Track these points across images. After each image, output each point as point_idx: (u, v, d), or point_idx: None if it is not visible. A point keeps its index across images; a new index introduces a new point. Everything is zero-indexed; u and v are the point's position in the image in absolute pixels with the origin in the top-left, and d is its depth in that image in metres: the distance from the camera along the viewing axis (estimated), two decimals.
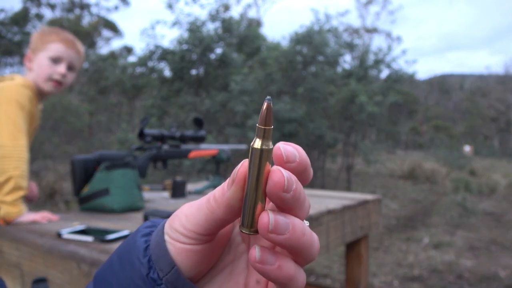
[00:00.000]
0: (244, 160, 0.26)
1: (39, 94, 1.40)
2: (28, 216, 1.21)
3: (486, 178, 9.98)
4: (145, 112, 9.37)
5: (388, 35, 18.72)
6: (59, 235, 1.01)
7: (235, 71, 8.59)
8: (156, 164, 1.63)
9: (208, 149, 1.75)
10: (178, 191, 1.66)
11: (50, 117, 8.87)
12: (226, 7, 9.83)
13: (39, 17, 12.44)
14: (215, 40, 9.09)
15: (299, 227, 0.25)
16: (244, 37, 9.74)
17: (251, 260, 0.25)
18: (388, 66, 9.68)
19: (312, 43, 8.24)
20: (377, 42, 23.88)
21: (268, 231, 0.24)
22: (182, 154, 1.67)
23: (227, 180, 0.26)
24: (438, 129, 25.45)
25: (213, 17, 9.18)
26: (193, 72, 9.57)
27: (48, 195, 6.13)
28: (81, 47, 1.47)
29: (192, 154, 1.69)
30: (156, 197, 1.68)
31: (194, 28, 8.78)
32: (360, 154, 9.57)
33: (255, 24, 13.15)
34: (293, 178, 0.25)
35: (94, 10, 14.90)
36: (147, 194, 1.71)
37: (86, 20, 14.75)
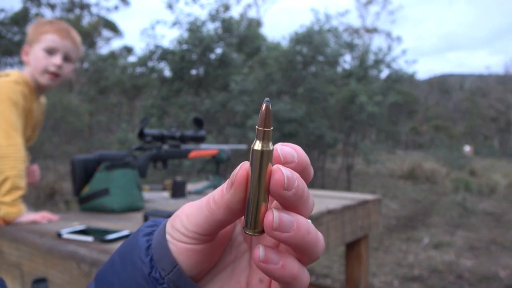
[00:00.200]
0: (242, 163, 0.26)
1: (38, 88, 1.37)
2: (28, 216, 1.21)
3: (486, 178, 9.98)
4: (145, 112, 9.37)
5: (388, 35, 18.73)
6: (59, 235, 1.01)
7: (235, 71, 8.59)
8: (156, 164, 1.63)
9: (208, 149, 1.75)
10: (178, 191, 1.66)
11: (50, 117, 8.87)
12: (226, 7, 9.83)
13: (39, 17, 12.44)
14: (215, 40, 9.09)
15: (304, 225, 0.25)
16: (244, 37, 9.74)
17: (255, 260, 0.25)
18: (388, 66, 9.68)
19: (312, 43, 8.25)
20: (377, 42, 23.89)
21: (273, 228, 0.25)
22: (182, 154, 1.67)
23: (226, 182, 0.26)
24: (438, 129, 25.45)
25: (213, 17, 9.19)
26: (193, 72, 9.58)
27: (48, 195, 6.13)
28: (76, 36, 1.41)
29: (192, 154, 1.68)
30: (156, 197, 1.68)
31: (194, 28, 8.78)
32: (360, 154, 9.57)
33: (255, 24, 13.16)
34: (295, 176, 0.25)
35: (94, 10, 14.92)
36: (147, 194, 1.71)
37: (86, 20, 14.76)
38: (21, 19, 11.19)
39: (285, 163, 0.26)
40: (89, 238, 0.98)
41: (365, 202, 1.69)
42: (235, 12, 19.56)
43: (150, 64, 9.79)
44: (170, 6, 9.20)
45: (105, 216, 1.29)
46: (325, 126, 8.19)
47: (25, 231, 1.09)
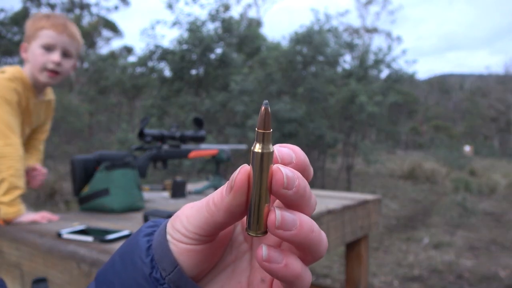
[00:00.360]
0: (241, 166, 0.26)
1: (37, 85, 1.34)
2: (28, 216, 1.21)
3: (486, 178, 9.98)
4: (145, 112, 9.37)
5: (388, 35, 18.73)
6: (59, 235, 1.01)
7: (235, 71, 8.59)
8: (156, 164, 1.63)
9: (208, 149, 1.75)
10: (178, 191, 1.66)
11: None
12: (226, 7, 9.83)
13: None
14: (215, 40, 9.09)
15: (307, 223, 0.25)
16: (244, 37, 9.74)
17: (258, 259, 0.25)
18: (388, 66, 9.68)
19: (312, 43, 8.25)
20: (377, 42, 23.89)
21: (275, 227, 0.25)
22: (182, 154, 1.67)
23: (226, 185, 0.26)
24: (438, 129, 25.45)
25: (213, 17, 9.19)
26: (193, 72, 9.58)
27: (48, 195, 6.13)
28: (74, 29, 1.36)
29: (192, 154, 1.68)
30: (156, 197, 1.68)
31: (194, 28, 8.78)
32: (360, 154, 9.57)
33: (255, 24, 13.15)
34: (296, 175, 0.25)
35: (94, 10, 14.92)
36: (147, 194, 1.71)
37: (86, 20, 14.76)
38: (21, 19, 11.18)
39: (283, 164, 0.26)
40: (89, 238, 0.98)
41: (365, 202, 1.69)
42: (235, 12, 19.58)
43: (150, 64, 9.79)
44: (170, 6, 9.20)
45: (105, 216, 1.29)
46: (325, 126, 8.19)
47: (25, 231, 1.09)
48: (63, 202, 5.91)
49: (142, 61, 9.92)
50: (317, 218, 1.35)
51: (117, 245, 0.94)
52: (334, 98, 8.82)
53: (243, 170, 0.25)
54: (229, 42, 9.43)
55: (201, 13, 21.11)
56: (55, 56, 1.30)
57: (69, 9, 14.11)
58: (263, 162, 0.25)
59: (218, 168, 1.82)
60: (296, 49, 8.49)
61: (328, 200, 1.64)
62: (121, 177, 1.36)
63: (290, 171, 0.25)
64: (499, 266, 3.43)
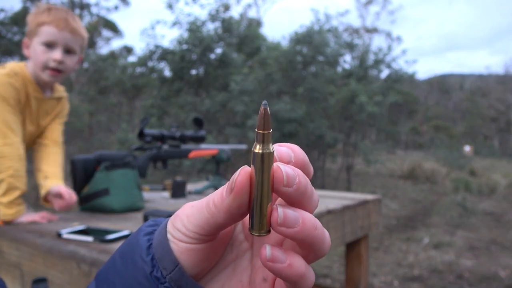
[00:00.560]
0: (242, 168, 0.26)
1: (40, 83, 1.30)
2: (28, 216, 1.21)
3: (486, 178, 9.98)
4: (145, 112, 9.37)
5: (388, 35, 18.73)
6: (59, 235, 1.01)
7: (235, 71, 8.59)
8: (156, 164, 1.63)
9: (208, 149, 1.75)
10: (178, 191, 1.66)
11: None
12: (226, 7, 9.83)
13: None
14: (215, 40, 9.09)
15: (309, 221, 0.25)
16: (244, 37, 9.74)
17: (262, 259, 0.26)
18: (388, 66, 9.68)
19: (312, 43, 8.25)
20: (377, 42, 23.88)
21: (278, 224, 0.25)
22: (182, 154, 1.67)
23: (226, 186, 0.26)
24: (438, 129, 25.45)
25: (213, 17, 9.19)
26: (193, 72, 9.58)
27: None
28: (76, 24, 1.29)
29: (192, 154, 1.69)
30: (156, 197, 1.68)
31: (194, 28, 8.79)
32: (360, 154, 9.58)
33: (255, 24, 13.15)
34: (296, 172, 0.25)
35: (94, 10, 14.90)
36: (147, 194, 1.71)
37: (86, 20, 14.75)
38: (21, 19, 11.17)
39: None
40: (89, 238, 0.98)
41: (365, 202, 1.69)
42: (235, 12, 19.58)
43: (150, 64, 9.80)
44: (170, 6, 9.21)
45: (105, 216, 1.29)
46: (325, 126, 8.19)
47: (25, 231, 1.09)
48: None
49: (142, 61, 9.93)
50: (317, 218, 1.34)
51: (117, 245, 0.94)
52: (334, 98, 8.83)
53: (243, 172, 0.25)
54: (229, 42, 9.44)
55: (201, 13, 21.11)
56: (57, 54, 1.25)
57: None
58: (264, 162, 0.25)
59: (218, 168, 1.82)
60: (296, 49, 8.49)
61: (328, 200, 1.64)
62: (121, 177, 1.36)
63: (290, 169, 0.25)
64: (499, 266, 3.43)
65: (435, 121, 27.14)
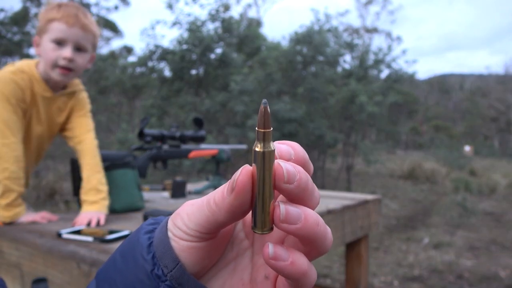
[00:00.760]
0: (243, 167, 0.26)
1: (50, 82, 1.26)
2: (28, 217, 1.20)
3: (486, 178, 9.98)
4: (145, 112, 9.37)
5: (388, 35, 18.72)
6: (59, 235, 1.01)
7: (235, 71, 8.60)
8: (156, 164, 1.63)
9: (208, 149, 1.75)
10: (178, 191, 1.66)
11: None
12: (226, 7, 9.82)
13: None
14: (215, 40, 9.09)
15: (312, 217, 0.25)
16: (244, 37, 9.74)
17: (265, 257, 0.26)
18: (388, 66, 9.68)
19: (312, 43, 8.25)
20: (377, 42, 23.87)
21: (280, 221, 0.25)
22: (182, 154, 1.67)
23: (227, 185, 0.26)
24: (438, 129, 25.45)
25: (213, 17, 9.19)
26: (193, 72, 9.58)
27: (48, 195, 6.13)
28: (87, 20, 1.24)
29: (192, 154, 1.69)
30: (156, 197, 1.68)
31: (194, 28, 8.79)
32: (360, 154, 9.58)
33: (255, 24, 13.15)
34: (297, 169, 0.25)
35: (94, 10, 14.89)
36: (147, 194, 1.71)
37: None
38: (21, 19, 11.18)
39: None
40: (89, 238, 0.97)
41: (365, 202, 1.69)
42: (235, 12, 19.57)
43: (150, 64, 9.80)
44: (170, 6, 9.20)
45: None
46: (325, 126, 8.20)
47: (25, 231, 1.09)
48: (63, 202, 5.91)
49: (142, 61, 9.92)
50: None
51: (117, 245, 0.94)
52: (334, 98, 8.83)
53: (245, 172, 0.25)
54: (229, 42, 9.44)
55: (201, 13, 21.10)
56: (67, 52, 1.20)
57: None
58: (265, 160, 0.25)
59: (218, 168, 1.82)
60: (296, 49, 8.49)
61: (328, 200, 1.64)
62: (121, 177, 1.36)
63: (291, 166, 0.25)
64: (499, 266, 3.43)
65: (435, 121, 27.14)
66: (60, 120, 1.36)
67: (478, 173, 11.00)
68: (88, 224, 1.14)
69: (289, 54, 8.41)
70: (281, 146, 0.27)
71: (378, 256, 3.69)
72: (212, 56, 9.23)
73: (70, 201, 5.85)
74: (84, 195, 1.25)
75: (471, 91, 33.20)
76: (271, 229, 0.27)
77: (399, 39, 18.50)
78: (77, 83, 1.39)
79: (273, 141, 0.26)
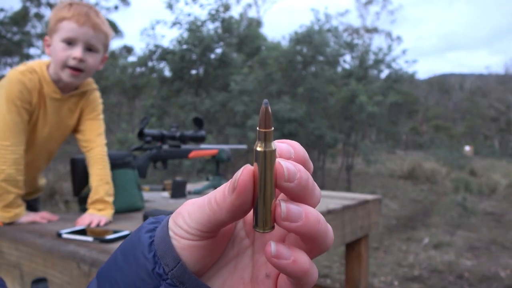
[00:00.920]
0: (244, 167, 0.26)
1: (59, 84, 1.23)
2: (28, 217, 1.20)
3: (486, 178, 9.98)
4: (145, 112, 9.37)
5: (388, 35, 18.71)
6: (59, 235, 1.01)
7: (235, 71, 8.60)
8: (156, 164, 1.63)
9: (208, 149, 1.75)
10: (178, 191, 1.66)
11: None
12: (226, 7, 9.82)
13: (39, 16, 12.44)
14: (215, 40, 9.09)
15: (313, 215, 0.26)
16: (244, 37, 9.74)
17: (267, 255, 0.26)
18: (388, 66, 9.69)
19: (312, 43, 8.25)
20: (377, 42, 23.85)
21: (281, 219, 0.25)
22: (182, 154, 1.67)
23: (228, 184, 0.26)
24: (438, 129, 25.46)
25: (213, 17, 9.19)
26: (193, 72, 9.58)
27: (48, 195, 6.13)
28: (99, 20, 1.20)
29: (192, 154, 1.68)
30: (156, 197, 1.68)
31: (194, 28, 8.79)
32: (360, 154, 9.58)
33: (255, 24, 13.15)
34: (297, 167, 0.25)
35: None
36: (147, 194, 1.71)
37: None
38: (20, 18, 11.18)
39: None
40: (89, 238, 0.97)
41: (365, 202, 1.69)
42: (235, 12, 19.58)
43: (150, 64, 9.80)
44: (170, 6, 9.20)
45: None
46: (325, 126, 8.20)
47: (25, 231, 1.09)
48: (63, 202, 5.91)
49: (142, 61, 9.93)
50: None
51: (117, 245, 0.94)
52: (334, 98, 8.83)
53: (246, 171, 0.25)
54: (229, 42, 9.44)
55: (201, 13, 21.10)
56: (77, 52, 1.16)
57: None
58: (267, 160, 0.25)
59: (218, 168, 1.82)
60: (296, 49, 8.50)
61: (328, 200, 1.63)
62: (121, 177, 1.36)
63: (291, 164, 0.25)
64: (499, 266, 3.43)
65: (435, 121, 27.15)
66: (71, 122, 1.33)
67: (478, 173, 11.00)
68: (88, 225, 1.14)
69: (289, 54, 8.41)
70: (281, 145, 0.27)
71: (378, 256, 3.69)
72: (212, 56, 9.23)
73: (70, 201, 5.85)
74: (90, 205, 1.25)
75: (471, 91, 33.22)
76: (273, 227, 0.27)
77: (399, 39, 18.49)
78: (89, 82, 1.35)
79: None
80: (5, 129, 1.14)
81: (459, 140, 23.00)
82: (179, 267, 0.27)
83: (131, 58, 14.48)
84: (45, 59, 1.29)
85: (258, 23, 14.32)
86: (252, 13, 18.92)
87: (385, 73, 10.10)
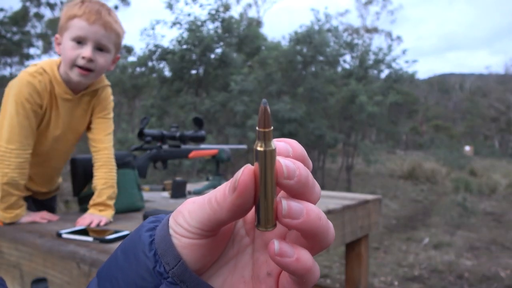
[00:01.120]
0: (245, 167, 0.26)
1: (69, 84, 1.19)
2: (28, 217, 1.20)
3: (486, 178, 9.98)
4: (145, 112, 9.37)
5: (388, 35, 18.71)
6: (59, 235, 1.01)
7: (235, 71, 8.60)
8: (156, 164, 1.63)
9: (208, 149, 1.75)
10: (178, 191, 1.65)
11: None
12: (226, 7, 9.82)
13: (39, 16, 12.44)
14: (215, 40, 9.09)
15: (314, 211, 0.26)
16: (244, 37, 9.74)
17: (270, 253, 0.26)
18: (388, 66, 9.69)
19: (312, 43, 8.25)
20: (377, 42, 23.84)
21: (283, 216, 0.25)
22: (182, 154, 1.67)
23: (229, 184, 0.26)
24: (438, 129, 25.46)
25: (213, 17, 9.19)
26: (193, 72, 9.58)
27: None
28: (111, 18, 1.15)
29: (192, 154, 1.68)
30: (156, 197, 1.68)
31: (194, 28, 8.79)
32: (360, 154, 9.58)
33: (255, 24, 13.15)
34: (296, 165, 0.25)
35: None
36: (147, 194, 1.71)
37: None
38: (20, 18, 11.18)
39: None
40: (89, 238, 0.97)
41: (365, 202, 1.69)
42: (235, 12, 19.56)
43: (150, 64, 9.80)
44: (170, 6, 9.20)
45: None
46: (325, 126, 8.20)
47: (25, 231, 1.09)
48: (63, 202, 5.91)
49: (142, 61, 9.92)
50: None
51: (116, 245, 0.93)
52: (334, 98, 8.83)
53: (247, 171, 0.25)
54: (229, 42, 9.44)
55: (201, 13, 21.09)
56: (86, 51, 1.12)
57: None
58: (267, 159, 0.25)
59: (218, 168, 1.82)
60: (296, 49, 8.50)
61: (328, 200, 1.63)
62: (121, 177, 1.36)
63: (290, 162, 0.25)
64: (499, 266, 3.43)
65: (435, 121, 27.16)
66: (85, 122, 1.32)
67: (478, 173, 11.00)
68: (89, 225, 1.14)
69: (289, 54, 8.41)
70: (279, 144, 0.27)
71: (378, 256, 3.69)
72: (212, 56, 9.23)
73: (70, 201, 5.85)
74: (91, 206, 1.25)
75: (471, 91, 33.23)
76: (275, 225, 0.27)
77: (399, 39, 18.49)
78: (101, 80, 1.31)
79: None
80: (11, 132, 1.13)
81: (459, 140, 23.01)
82: (180, 265, 0.27)
83: (131, 58, 14.47)
84: (45, 58, 1.29)
85: (258, 23, 14.32)
86: (252, 13, 18.93)
87: (385, 73, 10.11)
